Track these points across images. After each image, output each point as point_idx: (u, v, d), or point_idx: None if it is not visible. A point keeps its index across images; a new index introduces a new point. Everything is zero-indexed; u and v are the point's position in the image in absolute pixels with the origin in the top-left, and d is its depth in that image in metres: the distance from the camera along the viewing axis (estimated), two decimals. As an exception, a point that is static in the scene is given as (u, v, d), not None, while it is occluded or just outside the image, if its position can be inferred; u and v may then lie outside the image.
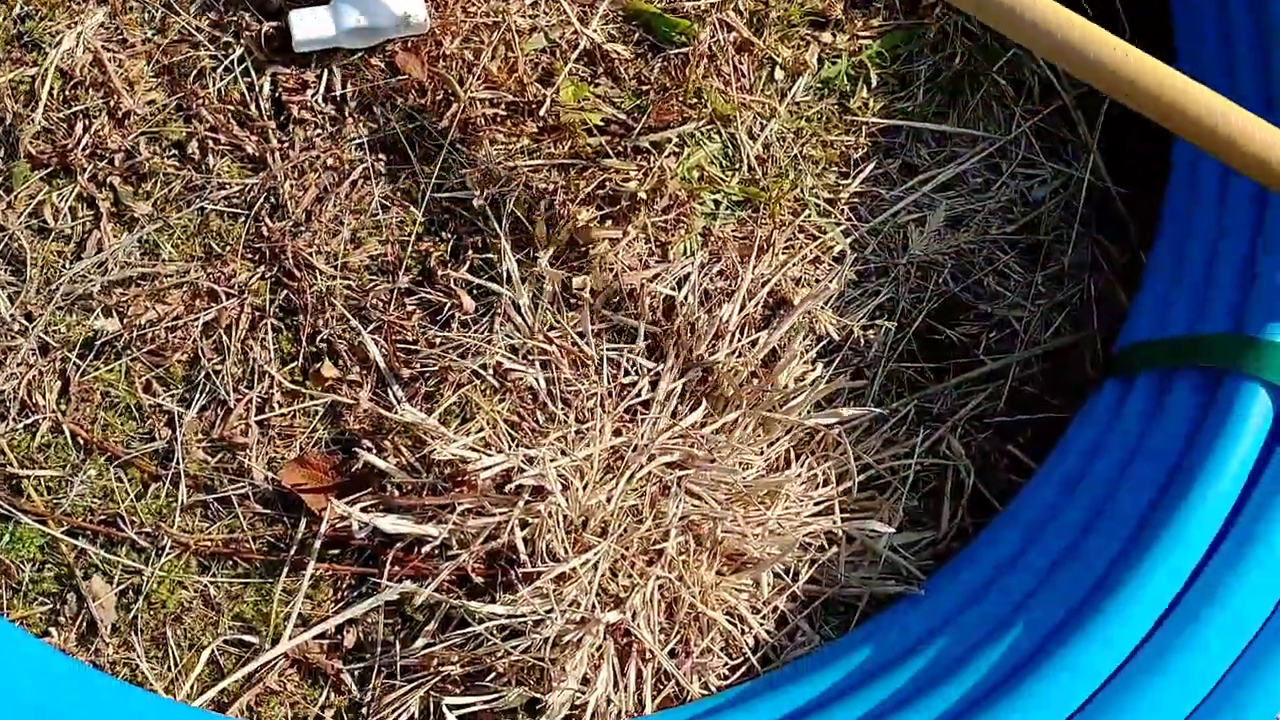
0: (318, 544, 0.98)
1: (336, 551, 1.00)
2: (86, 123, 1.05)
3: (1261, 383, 0.85)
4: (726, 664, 0.97)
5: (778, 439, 1.00)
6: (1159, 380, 0.93)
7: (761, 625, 0.97)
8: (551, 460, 0.96)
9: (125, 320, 1.02)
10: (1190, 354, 0.91)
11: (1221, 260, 0.93)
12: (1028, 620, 0.85)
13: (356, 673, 0.98)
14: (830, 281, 1.03)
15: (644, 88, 1.08)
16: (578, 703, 0.93)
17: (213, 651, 0.97)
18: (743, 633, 0.97)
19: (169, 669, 0.97)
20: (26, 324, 1.02)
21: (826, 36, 1.11)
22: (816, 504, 1.00)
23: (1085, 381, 1.06)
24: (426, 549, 0.97)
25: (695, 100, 1.08)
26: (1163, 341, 0.94)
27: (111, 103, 1.05)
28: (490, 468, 0.96)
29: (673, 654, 0.96)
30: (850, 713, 0.86)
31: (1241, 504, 0.83)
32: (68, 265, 1.03)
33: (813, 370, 1.03)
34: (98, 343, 1.01)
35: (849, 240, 1.07)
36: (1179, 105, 0.78)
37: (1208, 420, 0.86)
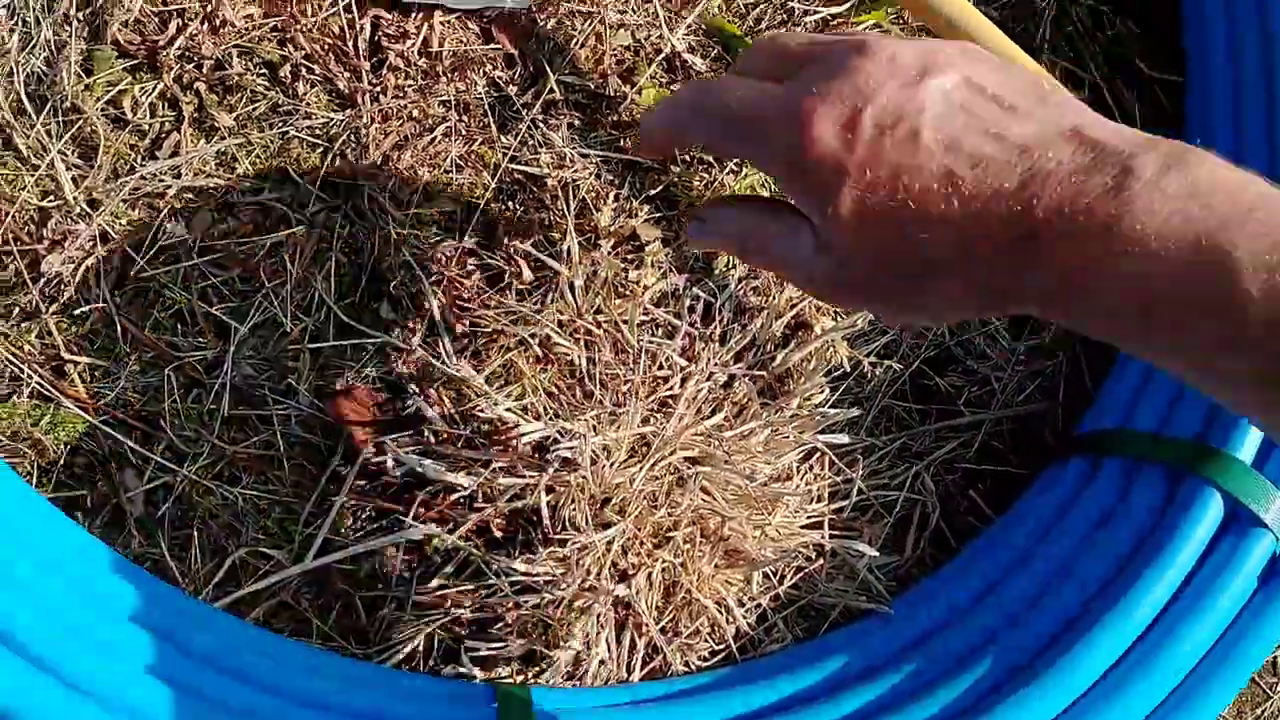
0: (350, 474, 1.04)
1: (365, 484, 1.05)
2: (181, 23, 1.06)
3: (1216, 489, 0.99)
4: (710, 648, 1.07)
5: (785, 452, 1.10)
6: (1124, 466, 1.06)
7: (745, 618, 1.07)
8: (587, 436, 1.03)
9: (191, 226, 1.04)
10: (1156, 452, 1.04)
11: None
12: (995, 655, 0.98)
13: (369, 600, 1.04)
14: (856, 319, 1.13)
15: (710, 102, 1.16)
16: (578, 663, 1.02)
17: (234, 560, 1.02)
18: (728, 622, 1.07)
19: (189, 568, 1.01)
20: (90, 210, 1.03)
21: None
22: (810, 517, 1.10)
23: (1045, 447, 1.20)
24: (454, 497, 1.04)
25: (758, 125, 1.15)
26: (1134, 433, 1.08)
27: (210, 7, 1.06)
28: (530, 433, 1.03)
29: (664, 631, 1.05)
30: (830, 714, 0.97)
31: (1176, 596, 0.98)
32: (140, 161, 1.05)
33: (820, 394, 1.14)
34: (160, 243, 1.04)
35: (869, 282, 1.18)
36: None
37: (1165, 516, 1.00)
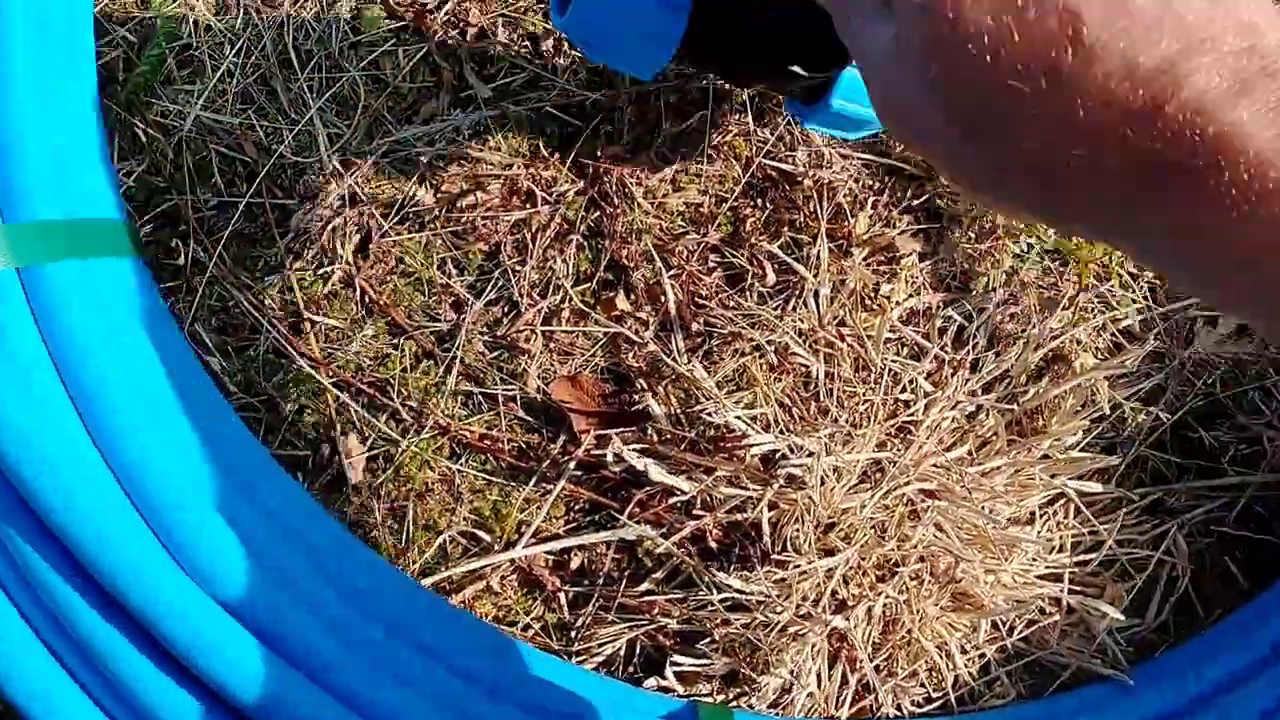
0: (570, 464, 1.01)
1: (582, 475, 1.02)
2: (448, -12, 1.05)
3: None
4: (926, 693, 1.00)
5: (1030, 495, 1.02)
6: None
7: (967, 667, 1.00)
8: (820, 455, 0.98)
9: (439, 195, 1.02)
10: None
11: None
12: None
13: (574, 595, 1.01)
14: (1125, 359, 1.04)
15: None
16: (785, 691, 0.96)
17: (445, 539, 1.00)
18: (949, 668, 0.99)
19: (402, 542, 1.00)
20: (341, 170, 1.03)
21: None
22: (1049, 567, 1.02)
23: (1320, 521, 1.08)
24: (672, 500, 0.99)
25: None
26: None
27: (477, -25, 1.04)
28: (760, 445, 0.98)
29: (878, 670, 0.99)
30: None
31: None
32: (396, 126, 1.03)
33: (1073, 436, 1.05)
34: (405, 209, 1.02)
35: (1140, 319, 1.08)
36: None
37: None
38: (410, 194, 1.02)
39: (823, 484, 0.98)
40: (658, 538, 0.99)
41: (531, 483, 1.01)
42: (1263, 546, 1.08)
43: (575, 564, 1.01)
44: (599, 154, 1.03)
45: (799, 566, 0.96)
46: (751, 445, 0.98)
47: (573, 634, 1.00)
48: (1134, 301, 1.08)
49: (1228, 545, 1.09)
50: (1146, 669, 1.00)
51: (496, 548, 1.00)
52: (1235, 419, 1.09)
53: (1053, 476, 1.01)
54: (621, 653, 0.99)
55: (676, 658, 0.96)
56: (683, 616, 0.98)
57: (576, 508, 1.02)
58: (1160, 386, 1.08)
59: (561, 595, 1.01)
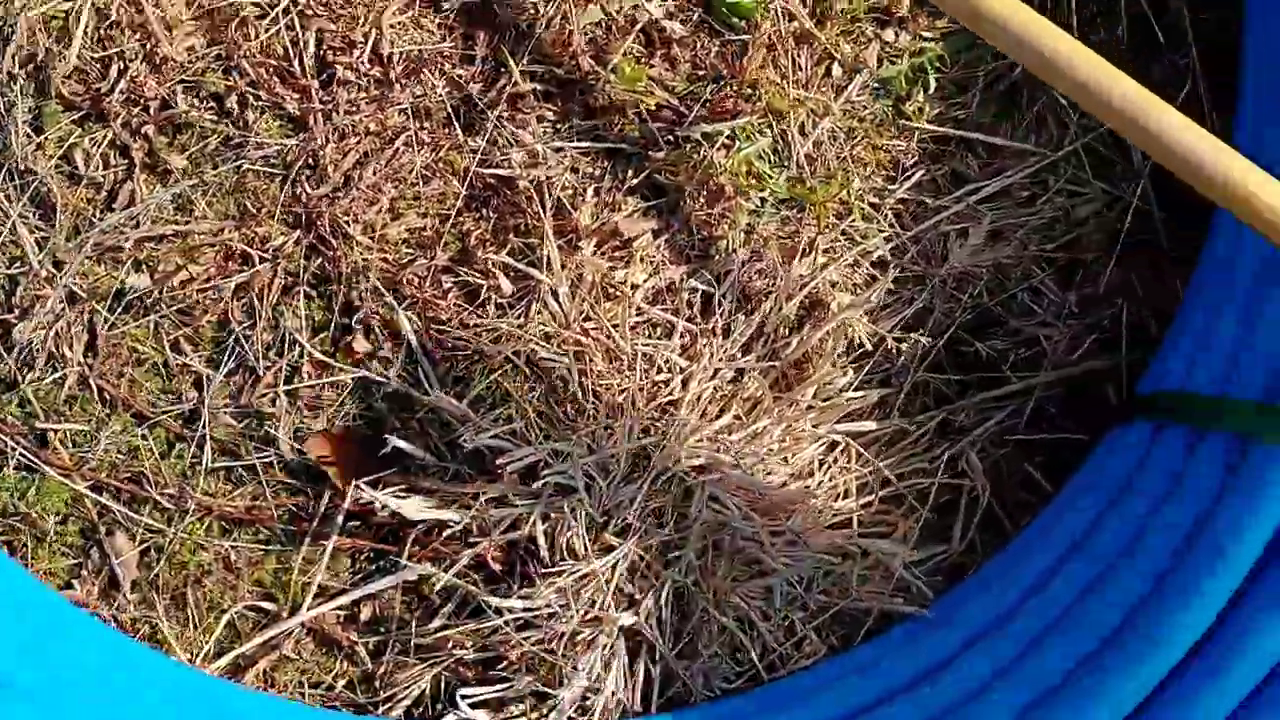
0: (340, 518, 0.99)
1: (357, 524, 1.01)
2: (122, 66, 1.02)
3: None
4: (734, 669, 0.99)
5: (804, 449, 1.01)
6: (1186, 434, 0.94)
7: (770, 633, 0.99)
8: (579, 457, 0.96)
9: (156, 277, 1.01)
10: (1217, 417, 0.91)
11: (1260, 320, 0.93)
12: (1038, 663, 0.88)
13: (371, 645, 1.00)
14: (872, 294, 1.02)
15: (699, 72, 1.06)
16: (587, 699, 0.96)
17: (231, 616, 0.99)
18: (752, 639, 0.99)
19: (188, 630, 0.99)
20: (55, 271, 1.01)
21: (889, 34, 1.08)
22: (836, 516, 1.01)
23: (1106, 409, 1.07)
24: (447, 533, 0.98)
25: (750, 92, 1.05)
26: (1191, 397, 0.95)
27: (149, 46, 1.02)
28: (518, 460, 0.97)
29: (680, 655, 0.98)
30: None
31: (1258, 572, 0.85)
32: (99, 215, 1.01)
33: (842, 377, 1.04)
34: (127, 297, 1.00)
35: (890, 247, 1.07)
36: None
37: (1232, 488, 0.87)
38: (127, 282, 1.00)
39: (590, 485, 0.97)
40: (439, 572, 0.98)
41: (306, 544, 1.00)
42: (1060, 446, 1.08)
43: (366, 614, 1.00)
44: (307, 199, 1.01)
45: (579, 571, 0.95)
46: (510, 462, 0.97)
47: (376, 684, 0.99)
48: (880, 231, 1.07)
49: (1025, 452, 1.08)
50: (953, 596, 1.00)
51: (284, 614, 0.99)
52: (1008, 324, 1.08)
53: (816, 426, 1.00)
54: (428, 692, 0.98)
55: (466, 690, 0.95)
56: (477, 645, 0.97)
57: (361, 558, 1.01)
58: (926, 309, 1.07)
59: (359, 648, 1.00)
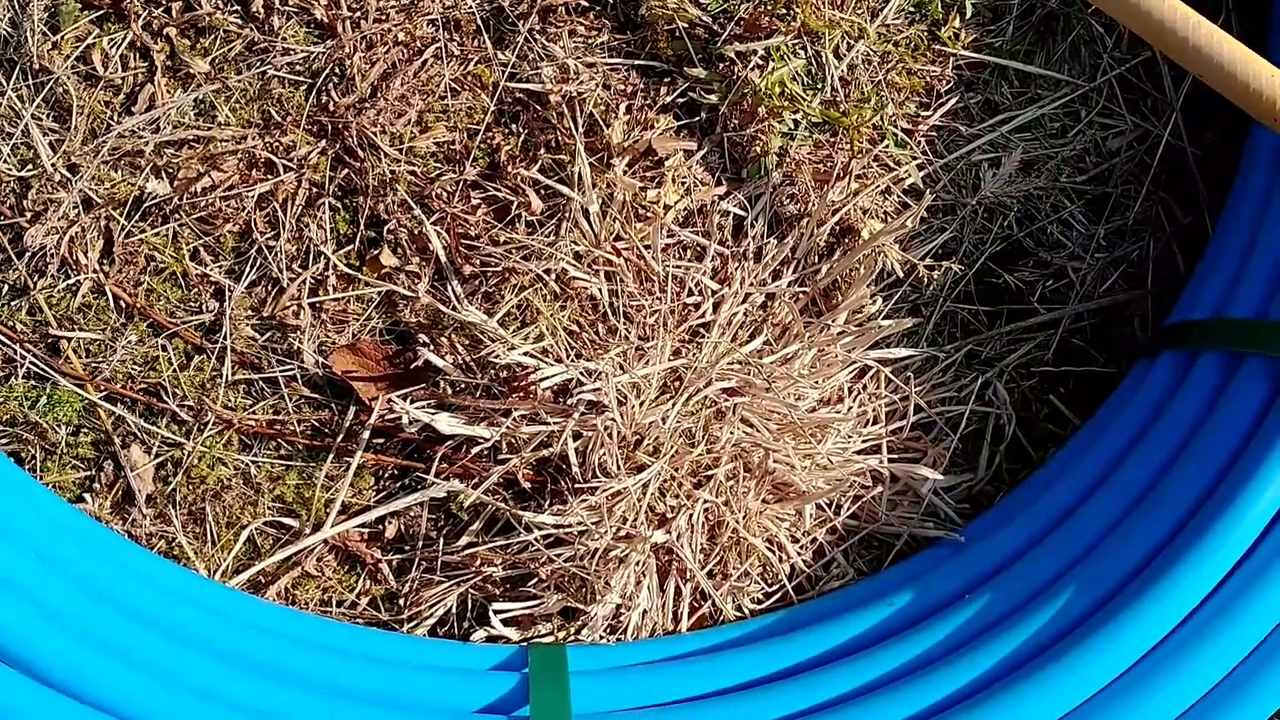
0: (365, 433, 0.97)
1: (382, 441, 0.99)
2: (143, -36, 0.99)
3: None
4: (763, 589, 0.98)
5: (835, 374, 1.00)
6: (1221, 362, 0.94)
7: (800, 555, 0.99)
8: (612, 376, 0.95)
9: (175, 183, 0.98)
10: (1255, 341, 0.91)
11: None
12: (1077, 587, 0.87)
13: (395, 563, 0.98)
14: (906, 220, 1.01)
15: (731, -11, 1.04)
16: (619, 615, 0.95)
17: (251, 531, 0.97)
18: (781, 560, 0.98)
19: (206, 545, 0.97)
20: (70, 176, 0.97)
21: (926, -42, 1.06)
22: (865, 441, 1.00)
23: (1133, 341, 1.07)
24: (476, 450, 0.97)
25: (785, 11, 1.03)
26: (1228, 323, 0.95)
27: (171, -55, 0.99)
28: (550, 378, 0.95)
29: (711, 575, 0.97)
30: (887, 662, 0.88)
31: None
32: (117, 118, 0.98)
33: (872, 305, 1.03)
34: (145, 204, 0.97)
35: (922, 175, 1.06)
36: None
37: (1271, 413, 0.87)
38: (146, 188, 0.97)
39: (622, 404, 0.96)
40: (468, 489, 0.96)
41: (329, 460, 0.98)
42: (1086, 378, 1.08)
43: (391, 532, 0.98)
44: (334, 108, 0.98)
45: (610, 489, 0.93)
46: (543, 379, 0.95)
47: (401, 602, 0.98)
48: (913, 158, 1.06)
49: (1051, 383, 1.08)
50: (981, 522, 1.00)
51: (306, 531, 0.97)
52: (1037, 256, 1.08)
53: (850, 350, 0.99)
54: (454, 610, 0.97)
55: (499, 605, 0.94)
56: (506, 562, 0.96)
57: (385, 475, 0.99)
58: (956, 238, 1.07)
59: (383, 566, 0.98)
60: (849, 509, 1.00)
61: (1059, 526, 0.95)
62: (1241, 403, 0.89)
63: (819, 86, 1.05)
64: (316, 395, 0.98)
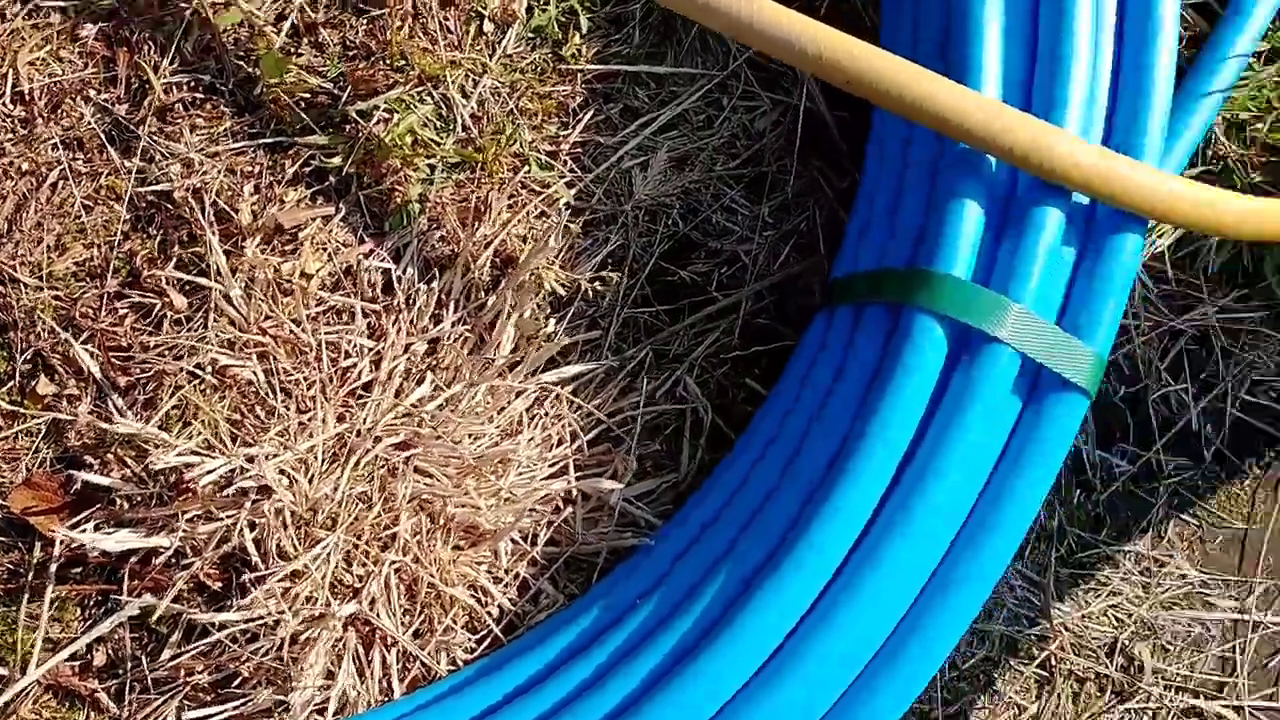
0: (54, 567, 0.97)
1: (78, 570, 0.98)
2: None
3: (933, 315, 0.85)
4: (471, 639, 0.98)
5: (508, 404, 1.00)
6: (853, 313, 0.94)
7: (504, 594, 0.98)
8: (271, 457, 0.95)
9: None
10: (873, 289, 0.91)
11: (908, 191, 0.93)
12: (734, 559, 0.87)
13: (112, 689, 0.98)
14: (550, 237, 1.01)
15: (350, 53, 1.05)
16: (321, 699, 0.94)
17: (-42, 686, 0.97)
18: (485, 605, 0.97)
19: (-85, 708, 0.97)
20: None
21: (529, -18, 1.07)
22: (551, 464, 1.00)
23: (815, 309, 1.06)
24: (161, 560, 0.96)
25: (402, 62, 1.04)
26: (856, 275, 0.95)
27: None
28: (211, 471, 0.95)
29: (418, 634, 0.97)
30: (581, 671, 0.87)
31: (924, 427, 0.85)
32: None
33: (545, 328, 1.03)
34: None
35: (573, 191, 1.06)
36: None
37: (889, 354, 0.87)
38: None
39: (291, 483, 0.95)
40: (158, 602, 0.95)
41: (25, 599, 0.97)
42: (779, 354, 1.07)
43: (100, 659, 0.98)
44: (-39, 254, 0.99)
45: (286, 572, 0.93)
46: (204, 474, 0.95)
47: (123, 725, 0.97)
48: (561, 177, 1.06)
49: (745, 366, 1.07)
50: (671, 521, 0.99)
51: (18, 676, 0.97)
52: (707, 246, 1.08)
53: (520, 380, 0.99)
54: (177, 723, 0.96)
55: (190, 714, 0.93)
56: (210, 667, 0.95)
57: (89, 604, 0.99)
58: (623, 245, 1.06)
59: (100, 695, 0.97)
60: (545, 536, 0.99)
61: (726, 507, 0.94)
62: (865, 347, 0.89)
63: (450, 128, 1.05)
64: (2, 538, 0.98)
